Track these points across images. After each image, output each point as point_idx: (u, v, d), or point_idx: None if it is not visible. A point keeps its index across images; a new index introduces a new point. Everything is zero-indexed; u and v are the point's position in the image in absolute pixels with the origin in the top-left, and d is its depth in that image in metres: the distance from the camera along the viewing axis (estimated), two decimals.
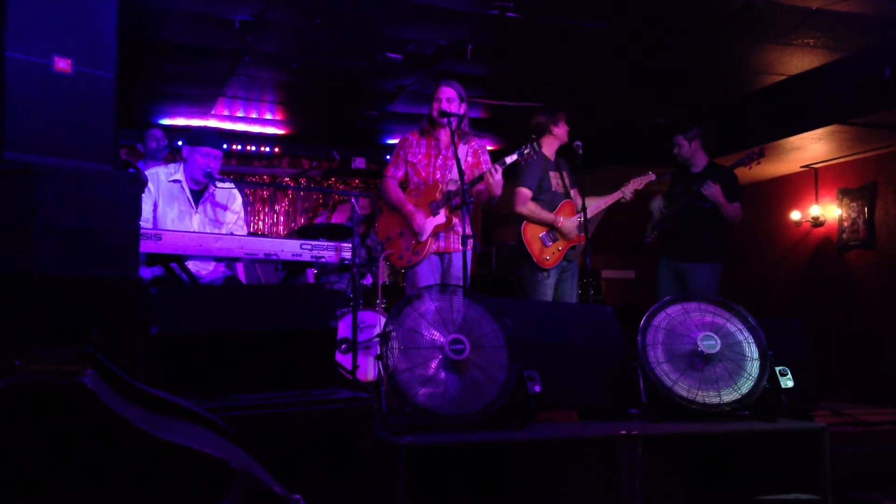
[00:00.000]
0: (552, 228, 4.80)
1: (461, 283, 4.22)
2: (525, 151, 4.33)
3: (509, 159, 4.31)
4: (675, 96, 6.72)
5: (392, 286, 6.12)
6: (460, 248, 4.29)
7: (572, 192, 4.93)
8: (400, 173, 4.48)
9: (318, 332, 2.93)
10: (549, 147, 4.95)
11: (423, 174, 4.39)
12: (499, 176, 4.20)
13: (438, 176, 4.36)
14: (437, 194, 4.32)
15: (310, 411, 2.68)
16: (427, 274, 4.32)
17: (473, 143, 4.48)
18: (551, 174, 4.91)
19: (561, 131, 4.94)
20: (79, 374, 1.28)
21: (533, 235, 4.83)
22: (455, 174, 4.31)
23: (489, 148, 8.56)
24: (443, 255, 4.38)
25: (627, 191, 4.88)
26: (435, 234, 4.31)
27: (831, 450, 3.18)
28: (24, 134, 2.32)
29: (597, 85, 6.44)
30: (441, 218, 4.30)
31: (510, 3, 4.85)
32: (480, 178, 4.20)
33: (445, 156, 4.38)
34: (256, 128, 7.92)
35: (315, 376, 2.89)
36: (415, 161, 4.42)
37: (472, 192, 4.26)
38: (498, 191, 4.25)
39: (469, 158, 4.41)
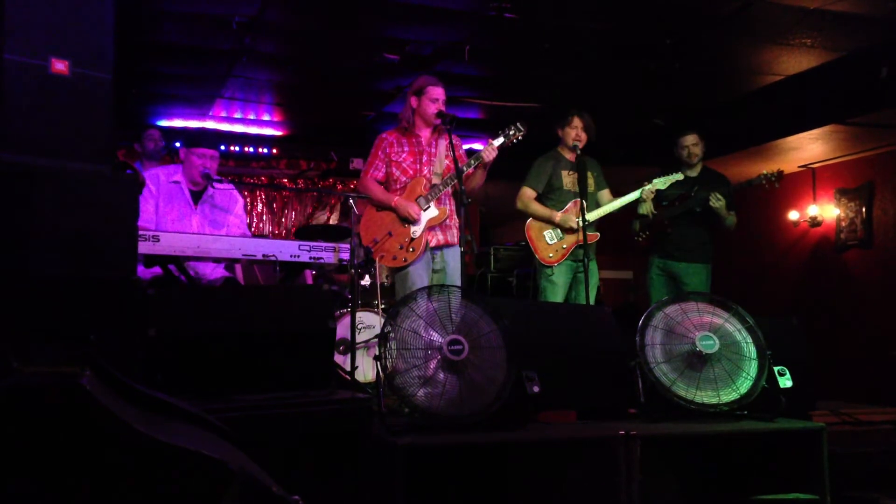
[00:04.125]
0: (553, 225, 4.83)
1: (458, 283, 4.23)
2: (510, 133, 4.35)
3: (497, 142, 4.31)
4: (673, 96, 6.72)
5: (391, 287, 6.10)
6: (456, 242, 4.33)
7: (604, 193, 4.96)
8: (379, 174, 4.40)
9: (316, 332, 2.93)
10: (563, 148, 5.00)
11: (411, 172, 4.35)
12: (494, 153, 4.26)
13: (425, 171, 4.35)
14: (423, 189, 4.32)
15: (308, 412, 2.68)
16: (421, 273, 4.27)
17: (454, 139, 4.46)
18: (563, 173, 4.93)
19: (566, 135, 4.93)
20: (77, 376, 1.27)
21: (537, 233, 4.88)
22: (439, 168, 4.36)
23: None
24: (440, 249, 4.31)
25: (647, 190, 4.86)
26: (430, 227, 4.29)
27: (830, 449, 3.18)
28: (21, 135, 2.32)
29: (594, 85, 6.44)
30: (433, 211, 4.30)
31: (507, 4, 4.85)
32: (479, 158, 4.21)
33: (429, 153, 4.39)
34: (254, 129, 7.92)
35: (313, 377, 2.89)
36: (399, 160, 4.36)
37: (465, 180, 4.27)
38: (491, 158, 4.28)
39: (449, 153, 4.38)
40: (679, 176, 4.98)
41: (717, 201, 5.03)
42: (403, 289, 4.28)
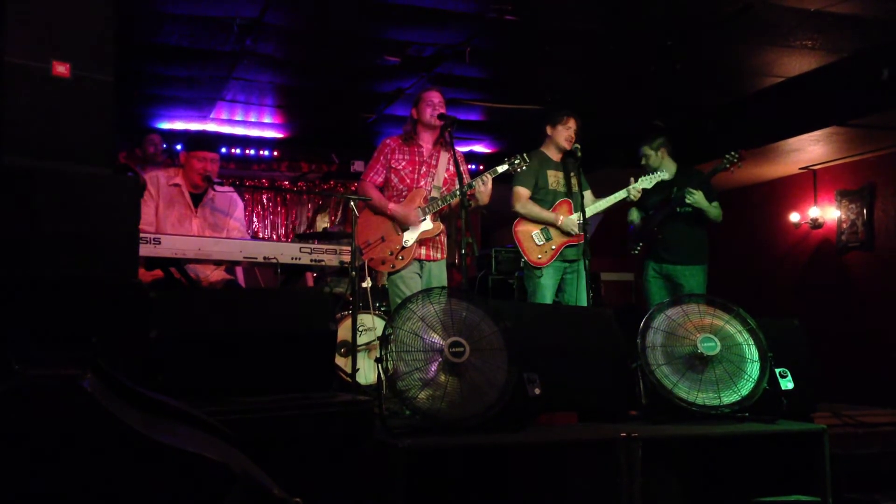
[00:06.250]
0: (546, 227, 4.77)
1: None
2: (515, 162, 4.43)
3: (500, 168, 4.36)
4: (674, 98, 6.72)
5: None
6: (440, 258, 4.40)
7: (586, 194, 4.84)
8: (379, 178, 4.41)
9: (317, 335, 2.93)
10: (549, 147, 4.95)
11: (408, 180, 4.37)
12: (489, 185, 4.28)
13: (423, 183, 4.36)
14: (422, 201, 4.33)
15: (309, 414, 2.68)
16: (413, 279, 4.30)
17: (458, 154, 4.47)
18: (549, 173, 4.88)
19: (558, 134, 4.88)
20: (78, 378, 1.28)
21: (525, 234, 4.81)
22: (438, 182, 4.38)
23: (486, 151, 8.60)
24: (423, 262, 4.36)
25: (633, 189, 4.83)
26: (421, 240, 4.30)
27: (831, 451, 3.18)
28: (22, 138, 2.32)
29: (595, 87, 6.44)
30: (428, 224, 4.31)
31: (508, 6, 4.85)
32: (471, 185, 4.20)
33: (429, 164, 4.41)
34: (255, 131, 7.93)
35: (314, 379, 2.89)
36: (399, 168, 4.38)
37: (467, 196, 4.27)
38: (486, 199, 4.32)
39: (451, 167, 4.39)
40: (664, 174, 4.98)
41: (691, 196, 5.00)
42: (393, 294, 4.33)
